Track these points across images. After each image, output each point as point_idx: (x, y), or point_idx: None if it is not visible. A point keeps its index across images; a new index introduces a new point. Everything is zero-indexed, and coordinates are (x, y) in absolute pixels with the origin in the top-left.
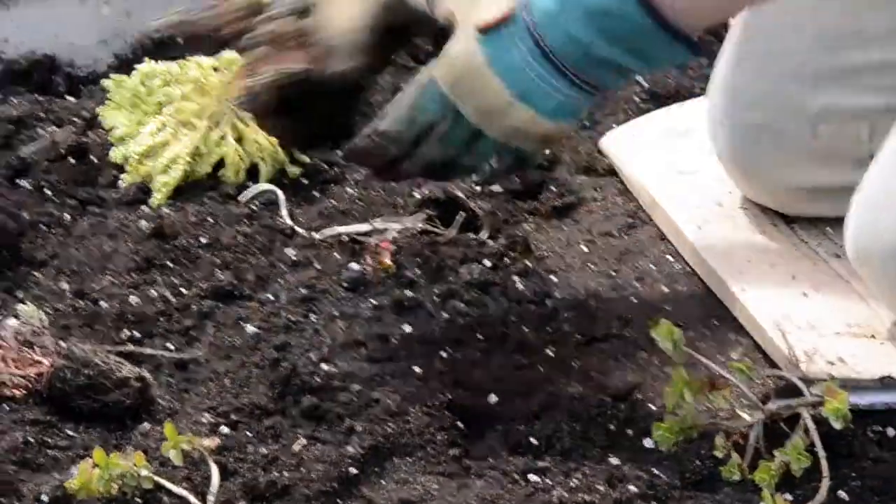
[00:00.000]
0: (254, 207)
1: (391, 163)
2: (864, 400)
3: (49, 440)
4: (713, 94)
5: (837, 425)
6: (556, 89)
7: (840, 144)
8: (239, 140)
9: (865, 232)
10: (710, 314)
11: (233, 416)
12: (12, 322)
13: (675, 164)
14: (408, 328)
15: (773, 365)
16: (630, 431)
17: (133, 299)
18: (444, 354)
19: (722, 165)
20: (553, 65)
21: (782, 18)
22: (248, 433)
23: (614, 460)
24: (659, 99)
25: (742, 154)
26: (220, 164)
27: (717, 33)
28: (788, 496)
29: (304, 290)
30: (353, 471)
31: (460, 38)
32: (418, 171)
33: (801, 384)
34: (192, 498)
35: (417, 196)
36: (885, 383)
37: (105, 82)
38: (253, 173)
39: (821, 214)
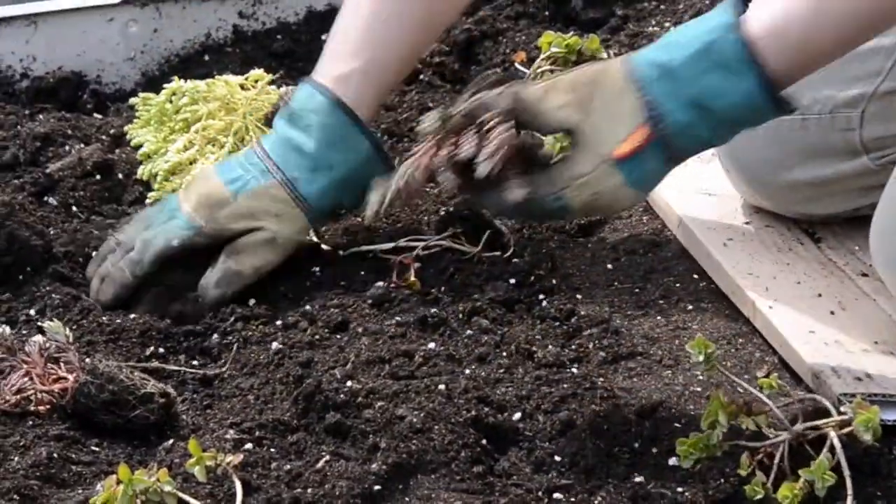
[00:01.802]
0: None
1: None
2: (892, 416)
3: (73, 456)
4: None
5: (868, 437)
6: (656, 173)
7: (830, 136)
8: None
9: (890, 236)
10: (736, 332)
11: (257, 433)
12: (38, 338)
13: (701, 186)
14: (432, 345)
15: (800, 382)
16: (654, 450)
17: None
18: (468, 371)
19: (722, 168)
20: (670, 161)
21: None
22: (271, 449)
23: (638, 478)
24: None
25: (738, 153)
26: None
27: None
28: None
29: (329, 307)
30: (377, 487)
31: (587, 157)
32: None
33: (829, 405)
34: None
35: (444, 214)
36: None
37: (132, 100)
38: None
39: (817, 213)
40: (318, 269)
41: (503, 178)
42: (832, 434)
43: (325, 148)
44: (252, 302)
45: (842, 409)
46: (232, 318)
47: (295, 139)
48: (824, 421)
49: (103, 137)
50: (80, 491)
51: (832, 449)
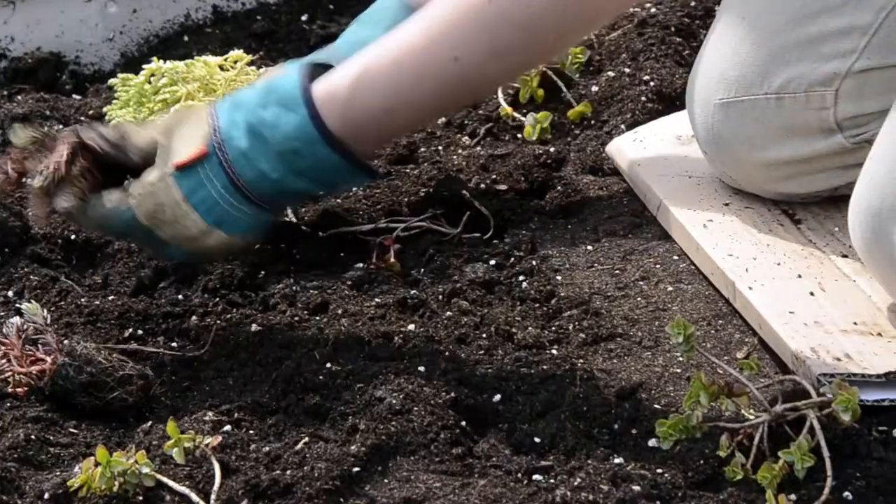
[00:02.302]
0: None
1: None
2: (871, 396)
3: (51, 438)
4: (691, 77)
5: (847, 418)
6: (247, 214)
7: (805, 115)
8: None
9: (868, 215)
10: (716, 313)
11: (235, 414)
12: (16, 320)
13: (682, 169)
14: (412, 327)
15: (780, 364)
16: (634, 431)
17: (136, 297)
18: (447, 353)
19: (699, 147)
20: (245, 196)
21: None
22: (250, 431)
23: (618, 459)
24: (665, 98)
25: (714, 132)
26: None
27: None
28: (793, 496)
29: (308, 289)
30: (356, 469)
31: (156, 171)
32: None
33: (808, 386)
34: (194, 496)
35: (423, 195)
36: (891, 379)
37: (111, 81)
38: None
39: (796, 193)
40: (297, 250)
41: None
42: (811, 415)
43: None
44: (231, 282)
45: (821, 390)
46: (211, 300)
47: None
48: (804, 402)
49: (82, 118)
50: (57, 473)
51: (811, 430)
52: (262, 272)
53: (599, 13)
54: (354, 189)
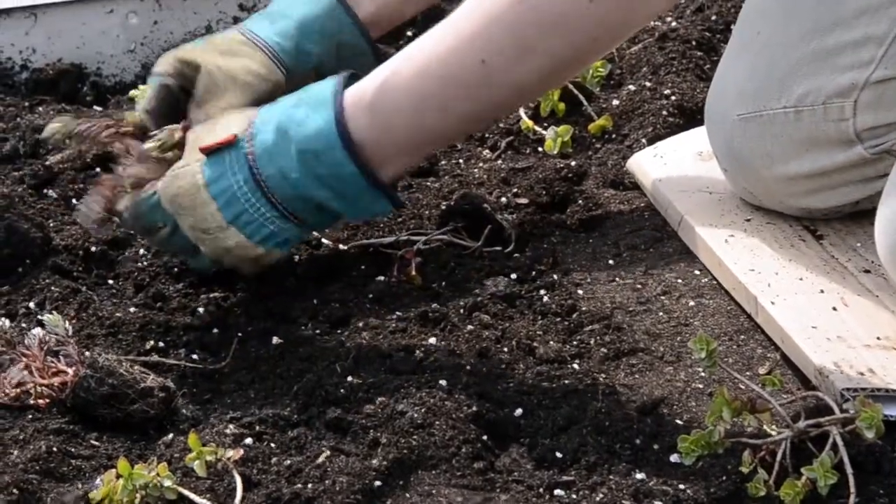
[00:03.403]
0: None
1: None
2: (894, 412)
3: (73, 450)
4: (710, 93)
5: (870, 434)
6: (267, 219)
7: (824, 127)
8: None
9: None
10: (738, 328)
11: (257, 427)
12: (37, 331)
13: (703, 185)
14: (433, 340)
15: (802, 379)
16: (656, 446)
17: (158, 309)
18: (469, 367)
19: (719, 165)
20: (265, 196)
21: (772, 12)
22: (272, 444)
23: (640, 475)
24: (686, 112)
25: (733, 149)
26: None
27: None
28: None
29: (329, 302)
30: (377, 483)
31: (187, 156)
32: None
33: (831, 402)
34: None
35: (444, 208)
36: None
37: (132, 92)
38: None
39: (817, 207)
40: (318, 263)
41: None
42: (834, 431)
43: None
44: (253, 295)
45: (844, 406)
46: (232, 312)
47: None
48: (827, 418)
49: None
50: (79, 485)
51: (834, 446)
52: (284, 285)
53: (627, 19)
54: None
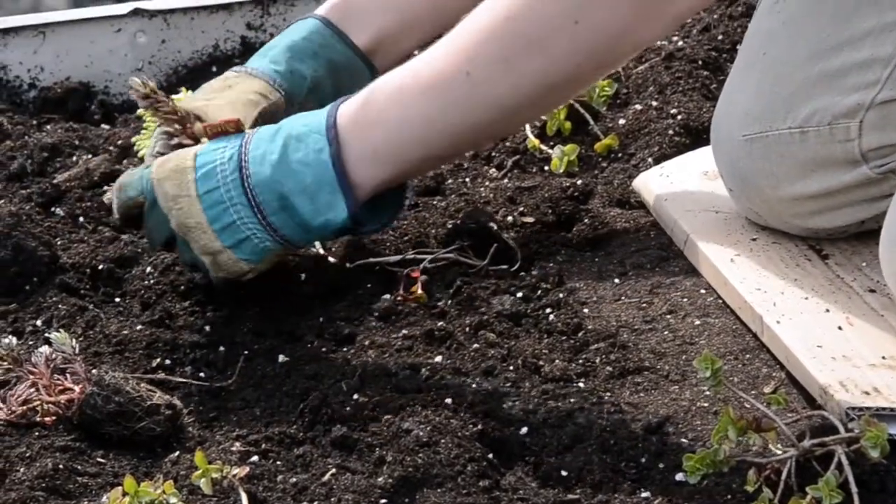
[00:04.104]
0: None
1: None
2: None
3: (79, 467)
4: (716, 113)
5: (875, 454)
6: (234, 204)
7: (830, 147)
8: None
9: None
10: (743, 347)
11: (263, 445)
12: (44, 349)
13: (709, 204)
14: (439, 358)
15: (807, 399)
16: (661, 465)
17: (164, 327)
18: (474, 385)
19: (724, 185)
20: (241, 177)
21: (778, 32)
22: (277, 462)
23: (645, 493)
24: (692, 132)
25: (739, 169)
26: None
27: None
28: None
29: (335, 320)
30: (383, 501)
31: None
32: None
33: (836, 421)
34: None
35: (450, 227)
36: None
37: (140, 111)
38: None
39: (823, 227)
40: (323, 281)
41: None
42: (839, 451)
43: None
44: (258, 313)
45: (850, 425)
46: (238, 330)
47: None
48: (832, 438)
49: (111, 148)
50: (85, 502)
51: (839, 466)
52: (290, 302)
53: (613, 47)
54: None
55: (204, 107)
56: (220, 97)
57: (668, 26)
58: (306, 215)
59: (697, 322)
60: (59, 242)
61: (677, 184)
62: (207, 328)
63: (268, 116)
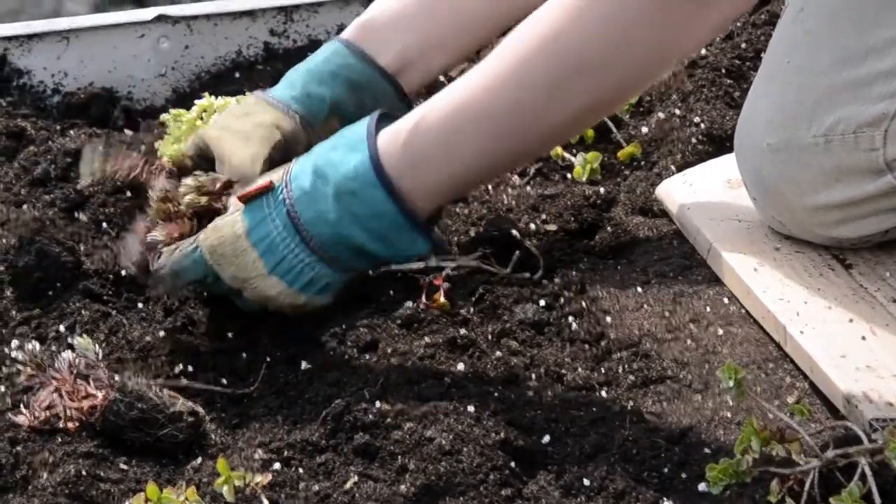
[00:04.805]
0: None
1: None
2: None
3: (101, 473)
4: (739, 122)
5: None
6: (306, 265)
7: (854, 156)
8: None
9: None
10: (766, 357)
11: (285, 453)
12: (67, 354)
13: (732, 213)
14: (461, 367)
15: (831, 409)
16: (684, 475)
17: (187, 334)
18: (497, 394)
19: (748, 194)
20: (304, 241)
21: (801, 41)
22: (300, 470)
23: (667, 503)
24: (715, 140)
25: (762, 178)
26: None
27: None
28: None
29: (358, 327)
30: None
31: (230, 207)
32: None
33: (860, 432)
34: None
35: (473, 234)
36: None
37: (163, 116)
38: None
39: (847, 237)
40: (346, 288)
41: None
42: (863, 461)
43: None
44: (281, 320)
45: (873, 435)
46: (260, 337)
47: None
48: (855, 448)
49: (134, 153)
50: None
51: (863, 476)
52: (311, 310)
53: (662, 59)
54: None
55: (218, 138)
56: (237, 125)
57: (713, 34)
58: (387, 255)
59: (720, 331)
60: (82, 248)
61: (700, 192)
62: (230, 335)
63: (281, 147)
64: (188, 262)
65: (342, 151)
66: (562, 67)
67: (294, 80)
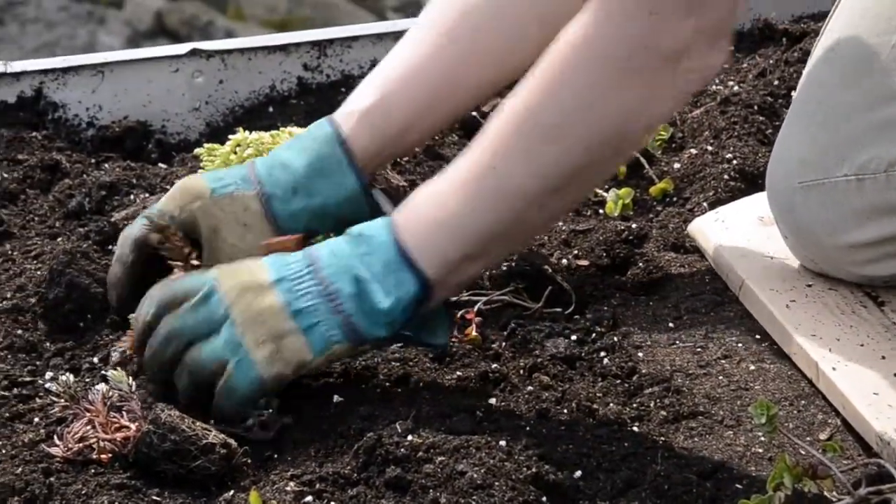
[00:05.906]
0: None
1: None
2: None
3: None
4: (771, 160)
5: None
6: (320, 313)
7: (886, 195)
8: None
9: None
10: (798, 393)
11: (317, 485)
12: (101, 387)
13: (764, 250)
14: (493, 400)
15: (863, 446)
16: None
17: None
18: (529, 428)
19: (780, 231)
20: (321, 288)
21: (831, 80)
22: (332, 502)
23: None
24: (747, 176)
25: (794, 217)
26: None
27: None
28: None
29: (390, 361)
30: None
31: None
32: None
33: (892, 469)
34: None
35: (505, 269)
36: None
37: (197, 150)
38: None
39: (879, 275)
40: None
41: None
42: (895, 499)
43: (311, 174)
44: None
45: None
46: None
47: (286, 159)
48: (888, 486)
49: (168, 187)
50: None
51: None
52: None
53: (627, 127)
54: None
55: (212, 236)
56: (237, 242)
57: (680, 101)
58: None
59: (752, 367)
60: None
61: (733, 229)
62: None
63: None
64: (205, 295)
65: (377, 254)
66: (531, 135)
67: (300, 214)
